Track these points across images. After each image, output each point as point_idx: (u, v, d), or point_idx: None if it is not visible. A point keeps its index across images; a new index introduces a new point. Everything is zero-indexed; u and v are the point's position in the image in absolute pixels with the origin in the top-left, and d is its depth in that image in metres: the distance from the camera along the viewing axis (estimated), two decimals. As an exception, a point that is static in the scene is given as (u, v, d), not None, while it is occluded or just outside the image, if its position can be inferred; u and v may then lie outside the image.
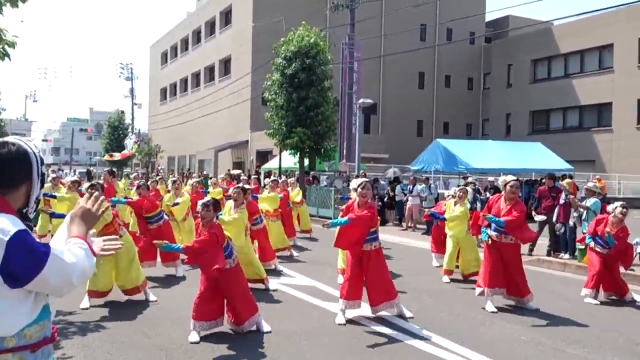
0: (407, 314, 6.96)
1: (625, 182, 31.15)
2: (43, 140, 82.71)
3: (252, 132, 35.73)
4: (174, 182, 11.44)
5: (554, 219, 11.67)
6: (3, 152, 2.07)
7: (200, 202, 6.15)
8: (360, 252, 6.74)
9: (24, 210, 2.17)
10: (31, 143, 2.18)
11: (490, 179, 18.59)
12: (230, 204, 8.13)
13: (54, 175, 13.87)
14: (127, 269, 7.32)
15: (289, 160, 25.96)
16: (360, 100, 21.85)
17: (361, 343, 5.93)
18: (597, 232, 8.21)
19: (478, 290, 7.59)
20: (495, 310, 7.29)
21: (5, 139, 2.14)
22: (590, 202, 10.64)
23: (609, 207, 8.56)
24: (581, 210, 10.72)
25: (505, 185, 7.60)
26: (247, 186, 9.88)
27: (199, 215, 6.08)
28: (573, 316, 7.21)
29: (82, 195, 9.10)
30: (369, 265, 6.78)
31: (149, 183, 11.29)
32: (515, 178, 7.73)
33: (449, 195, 10.66)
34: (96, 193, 2.41)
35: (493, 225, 7.43)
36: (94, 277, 7.03)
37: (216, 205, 6.18)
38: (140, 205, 9.12)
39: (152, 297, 7.53)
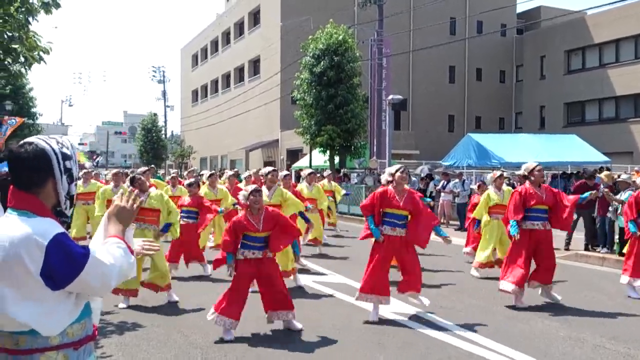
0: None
1: (665, 173, 30.20)
2: (79, 144, 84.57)
3: (282, 131, 35.87)
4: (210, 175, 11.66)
5: (595, 213, 11.46)
6: (21, 152, 2.11)
7: (249, 189, 6.13)
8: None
9: (59, 208, 2.20)
10: (52, 140, 2.18)
11: (519, 172, 18.15)
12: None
13: (85, 170, 14.33)
14: (160, 263, 7.43)
15: (319, 158, 25.99)
16: (390, 97, 21.71)
17: (391, 339, 5.90)
18: None
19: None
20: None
21: (26, 140, 2.17)
22: (624, 195, 10.34)
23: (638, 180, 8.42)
24: (616, 203, 10.45)
25: (532, 170, 7.43)
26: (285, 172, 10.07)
27: (249, 203, 6.04)
28: (613, 312, 7.04)
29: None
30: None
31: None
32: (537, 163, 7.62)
33: (481, 185, 10.60)
34: (130, 189, 2.45)
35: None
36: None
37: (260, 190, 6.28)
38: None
39: (174, 298, 7.57)
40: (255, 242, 6.04)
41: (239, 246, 6.05)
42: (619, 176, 11.58)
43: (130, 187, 7.79)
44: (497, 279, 9.16)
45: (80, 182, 12.84)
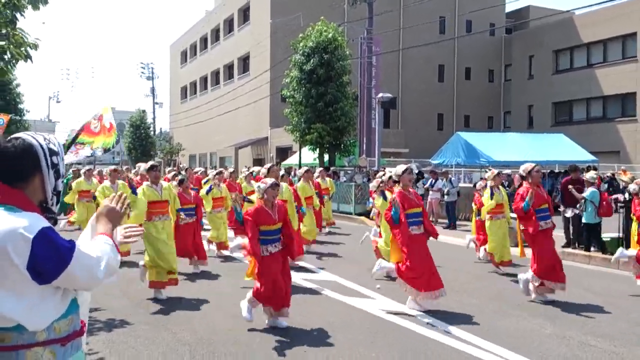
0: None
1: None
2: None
3: (272, 128, 35.82)
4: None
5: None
6: (8, 147, 2.13)
7: (268, 182, 6.24)
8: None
9: (45, 204, 2.20)
10: (39, 136, 2.21)
11: (507, 171, 18.18)
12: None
13: (88, 167, 14.49)
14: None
15: (309, 156, 25.99)
16: (380, 95, 21.73)
17: (382, 337, 5.92)
18: None
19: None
20: None
21: (13, 135, 2.20)
22: (587, 192, 10.63)
23: (631, 188, 8.57)
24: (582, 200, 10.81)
25: (531, 171, 7.49)
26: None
27: (265, 197, 6.15)
28: (599, 309, 7.11)
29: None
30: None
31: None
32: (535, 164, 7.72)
33: (482, 187, 10.87)
34: (120, 192, 2.45)
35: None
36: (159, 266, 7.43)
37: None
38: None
39: (162, 295, 7.59)
40: (273, 235, 6.18)
41: (261, 243, 6.12)
42: (612, 174, 11.82)
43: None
44: (491, 276, 9.23)
45: (82, 179, 13.08)
